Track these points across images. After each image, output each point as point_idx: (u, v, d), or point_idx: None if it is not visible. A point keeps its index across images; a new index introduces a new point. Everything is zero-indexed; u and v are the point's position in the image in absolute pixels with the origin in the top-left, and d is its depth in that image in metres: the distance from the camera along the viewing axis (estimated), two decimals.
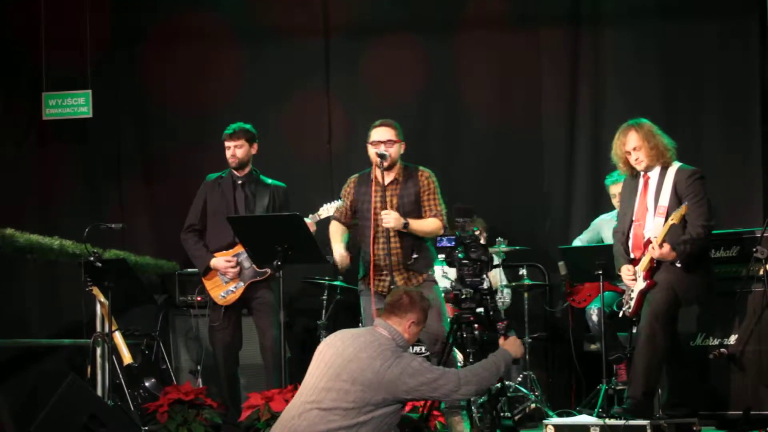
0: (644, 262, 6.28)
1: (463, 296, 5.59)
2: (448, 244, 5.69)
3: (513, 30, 8.79)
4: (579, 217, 8.53)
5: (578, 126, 8.66)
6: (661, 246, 6.13)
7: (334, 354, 5.08)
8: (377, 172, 6.47)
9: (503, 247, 7.85)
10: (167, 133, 9.19)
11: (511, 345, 5.43)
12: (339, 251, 6.54)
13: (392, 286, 6.27)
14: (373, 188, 6.50)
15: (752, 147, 8.22)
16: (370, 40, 8.96)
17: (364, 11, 8.99)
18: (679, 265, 6.19)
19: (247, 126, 7.20)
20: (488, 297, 5.64)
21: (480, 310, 5.62)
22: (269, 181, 7.20)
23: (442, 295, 6.44)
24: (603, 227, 7.70)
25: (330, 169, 8.83)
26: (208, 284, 7.03)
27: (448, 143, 8.82)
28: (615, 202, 7.45)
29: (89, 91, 9.01)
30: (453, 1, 8.87)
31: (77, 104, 9.02)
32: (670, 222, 6.17)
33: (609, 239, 7.14)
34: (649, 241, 6.29)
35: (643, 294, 6.30)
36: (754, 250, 6.53)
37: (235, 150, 7.10)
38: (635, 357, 6.25)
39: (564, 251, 7.64)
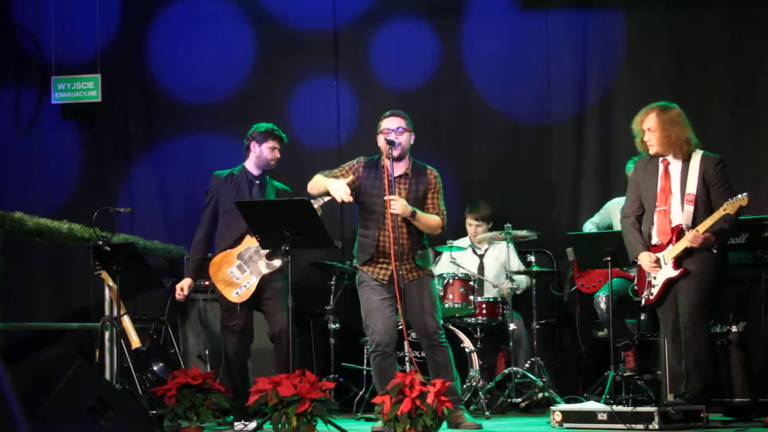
0: (676, 249, 6.19)
1: None
2: None
3: (522, 15, 8.76)
4: (588, 203, 8.51)
5: (587, 112, 8.63)
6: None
7: None
8: (386, 162, 6.41)
9: (512, 233, 7.82)
10: (176, 117, 9.19)
11: None
12: (340, 184, 6.30)
13: (399, 272, 6.23)
14: (386, 176, 6.40)
15: (761, 133, 8.19)
16: (378, 26, 8.95)
17: None
18: (715, 251, 6.16)
19: None
20: None
21: None
22: (276, 183, 7.17)
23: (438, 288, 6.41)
24: (615, 211, 7.56)
25: (339, 157, 8.74)
26: (219, 285, 6.93)
27: (457, 130, 8.80)
28: None
29: (98, 75, 9.01)
30: None
31: (86, 88, 9.01)
32: (722, 212, 6.07)
33: (619, 224, 7.08)
34: (679, 228, 6.22)
35: (669, 282, 6.25)
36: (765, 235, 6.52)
37: (278, 152, 7.10)
38: (686, 353, 6.19)
39: (572, 238, 7.61)
